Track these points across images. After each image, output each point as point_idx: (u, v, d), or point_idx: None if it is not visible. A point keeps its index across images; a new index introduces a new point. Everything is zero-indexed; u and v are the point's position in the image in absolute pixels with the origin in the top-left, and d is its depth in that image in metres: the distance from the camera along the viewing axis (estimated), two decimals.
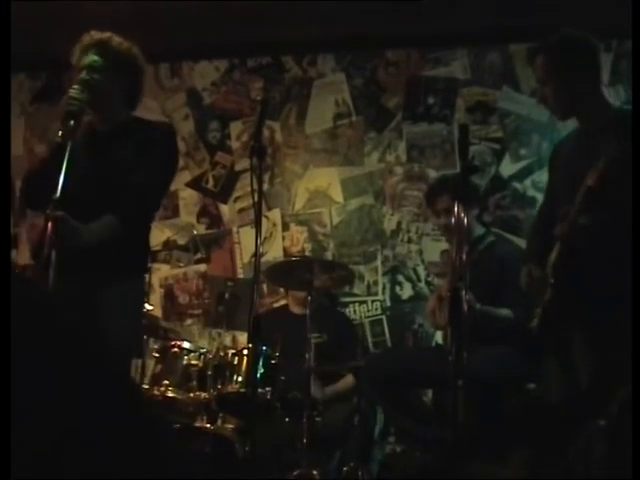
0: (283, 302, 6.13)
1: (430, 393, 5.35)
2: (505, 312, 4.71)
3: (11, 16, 3.53)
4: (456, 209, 3.51)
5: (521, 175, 6.49)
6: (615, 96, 6.34)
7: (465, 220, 3.49)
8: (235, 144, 6.88)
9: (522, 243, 6.07)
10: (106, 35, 3.77)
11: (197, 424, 4.72)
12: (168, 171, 3.92)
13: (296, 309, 5.79)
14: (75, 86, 3.56)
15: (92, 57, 3.68)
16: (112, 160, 3.68)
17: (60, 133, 3.42)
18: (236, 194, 6.79)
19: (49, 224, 3.26)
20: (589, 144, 3.69)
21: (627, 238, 3.38)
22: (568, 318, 3.59)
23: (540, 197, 6.22)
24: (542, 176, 6.29)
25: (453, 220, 3.53)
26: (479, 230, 5.13)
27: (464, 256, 3.43)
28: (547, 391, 3.88)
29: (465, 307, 3.41)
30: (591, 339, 3.57)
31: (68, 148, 3.37)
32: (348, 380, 5.38)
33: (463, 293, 3.40)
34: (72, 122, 3.46)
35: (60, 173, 3.32)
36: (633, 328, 3.00)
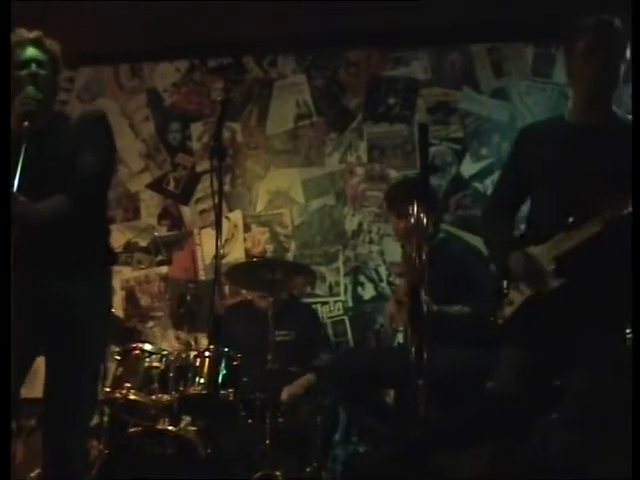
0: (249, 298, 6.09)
1: (392, 392, 5.35)
2: (459, 308, 4.73)
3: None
4: (415, 210, 3.51)
5: (482, 175, 6.53)
6: None
7: (424, 221, 3.49)
8: (196, 145, 6.86)
9: (482, 243, 6.13)
10: (37, 33, 3.73)
11: (159, 426, 4.70)
12: (108, 149, 3.87)
13: (263, 306, 5.74)
14: (29, 87, 3.54)
15: (33, 51, 3.65)
16: (54, 151, 3.63)
17: (16, 135, 3.39)
18: (197, 195, 6.78)
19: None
20: (587, 142, 3.69)
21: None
22: (560, 312, 3.59)
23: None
24: None
25: (412, 221, 3.54)
26: (430, 229, 5.13)
27: (423, 257, 3.43)
28: (506, 387, 3.88)
29: (425, 307, 3.41)
30: (572, 338, 3.57)
31: (23, 150, 3.34)
32: (308, 378, 5.39)
33: (422, 294, 3.41)
34: (27, 123, 3.44)
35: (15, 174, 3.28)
36: (633, 328, 3.02)
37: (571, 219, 3.56)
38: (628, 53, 3.70)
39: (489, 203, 4.21)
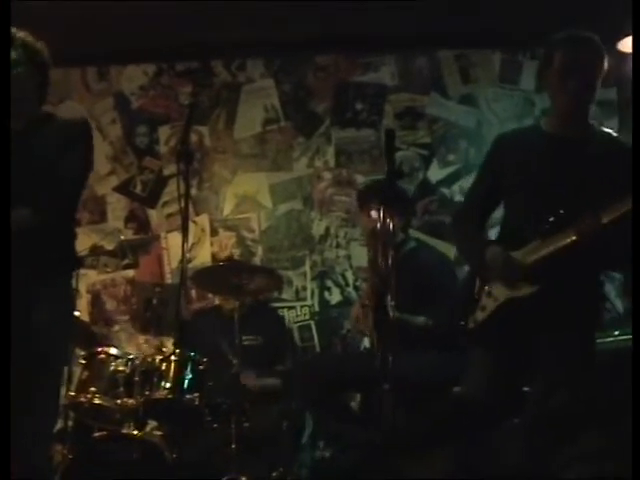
0: (218, 303, 6.08)
1: (358, 397, 5.36)
2: (421, 320, 4.74)
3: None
4: (382, 214, 3.51)
5: (449, 180, 6.56)
6: (541, 102, 6.45)
7: (391, 225, 3.49)
8: (163, 149, 6.84)
9: (449, 248, 6.15)
10: (18, 32, 3.69)
11: (124, 431, 4.66)
12: (85, 167, 3.85)
13: (229, 310, 5.73)
14: None
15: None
16: (28, 157, 3.61)
17: None
18: (164, 199, 6.75)
19: None
20: (562, 153, 3.71)
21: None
22: (530, 319, 3.61)
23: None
24: (469, 182, 6.32)
25: (379, 225, 3.54)
26: (400, 236, 5.14)
27: (389, 262, 3.44)
28: (476, 392, 3.90)
29: (390, 312, 3.42)
30: (540, 344, 3.59)
31: None
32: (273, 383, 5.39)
33: (388, 299, 3.41)
34: None
35: None
36: (633, 328, 3.03)
37: (546, 227, 3.59)
38: (606, 64, 3.73)
39: (462, 207, 4.22)
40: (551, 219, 3.58)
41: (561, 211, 3.56)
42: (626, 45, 5.14)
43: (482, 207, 4.01)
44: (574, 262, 3.51)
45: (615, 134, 3.87)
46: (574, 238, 3.48)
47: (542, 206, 3.66)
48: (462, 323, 3.86)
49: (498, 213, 3.98)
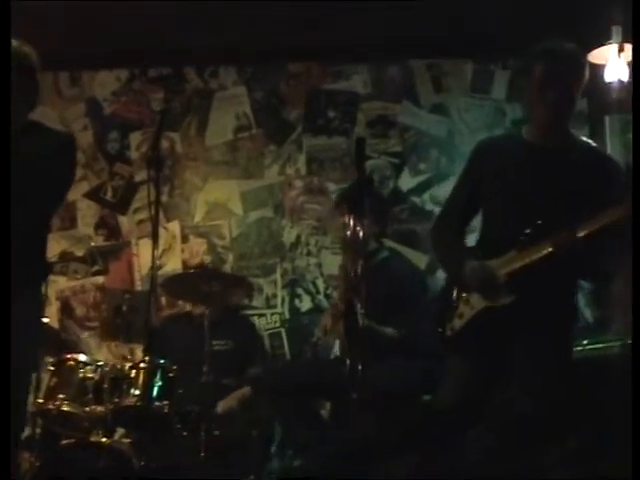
0: (188, 310, 6.06)
1: (328, 405, 5.36)
2: (389, 331, 4.75)
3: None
4: (352, 222, 3.52)
5: (419, 189, 6.57)
6: (512, 112, 6.48)
7: (361, 233, 3.50)
8: (134, 155, 6.81)
9: (419, 256, 6.18)
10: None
11: (93, 438, 4.63)
12: (66, 183, 3.84)
13: (199, 317, 5.70)
14: None
15: None
16: (15, 163, 3.58)
17: None
18: (135, 205, 6.72)
19: None
20: (542, 163, 3.73)
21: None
22: (507, 327, 3.62)
23: (438, 211, 6.32)
24: (440, 190, 6.41)
25: (349, 233, 3.54)
26: (373, 244, 5.15)
27: (359, 270, 3.44)
28: (443, 401, 3.91)
29: (360, 321, 3.42)
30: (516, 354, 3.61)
31: None
32: (243, 392, 5.38)
33: (358, 307, 3.42)
34: None
35: None
36: (633, 328, 3.05)
37: (522, 238, 3.60)
38: (586, 75, 3.75)
39: (441, 213, 4.22)
40: (527, 231, 3.60)
41: (538, 222, 3.57)
42: (597, 56, 5.18)
43: (461, 214, 4.02)
44: (551, 272, 3.54)
45: (594, 144, 3.90)
46: (550, 250, 3.51)
47: (519, 216, 3.68)
48: (440, 330, 3.87)
49: (478, 219, 3.99)
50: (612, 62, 5.06)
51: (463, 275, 3.74)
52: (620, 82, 5.11)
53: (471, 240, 4.08)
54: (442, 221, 4.13)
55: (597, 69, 5.27)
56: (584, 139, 3.89)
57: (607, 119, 5.45)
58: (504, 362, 3.63)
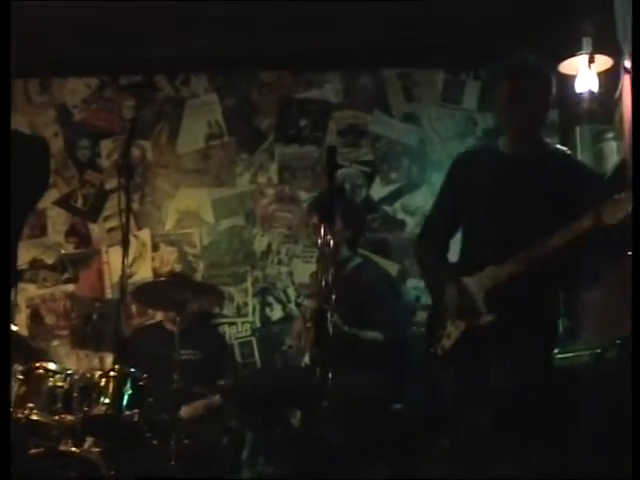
0: (159, 318, 6.04)
1: (299, 413, 5.35)
2: (372, 334, 4.75)
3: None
4: (322, 230, 3.52)
5: (391, 198, 6.59)
6: (483, 122, 6.51)
7: (332, 241, 3.50)
8: (105, 162, 6.78)
9: (391, 265, 6.19)
10: None
11: (62, 448, 4.60)
12: (40, 189, 3.82)
13: (170, 326, 5.70)
14: None
15: None
16: None
17: None
18: (105, 213, 6.69)
19: None
20: (518, 173, 3.74)
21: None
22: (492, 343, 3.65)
23: (410, 220, 6.37)
24: (411, 199, 6.44)
25: (319, 241, 3.55)
26: (346, 252, 5.15)
27: (330, 278, 3.45)
28: (412, 411, 3.93)
29: (330, 329, 3.42)
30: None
31: None
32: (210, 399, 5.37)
33: (329, 315, 3.42)
34: None
35: None
36: (633, 328, 3.06)
37: (498, 252, 3.63)
38: (553, 89, 3.77)
39: (423, 228, 4.24)
40: (502, 244, 3.62)
41: (513, 234, 3.61)
42: (567, 67, 5.21)
43: (443, 227, 4.05)
44: (530, 284, 3.56)
45: (569, 152, 3.92)
46: (523, 266, 3.53)
47: (496, 228, 3.70)
48: (431, 350, 3.90)
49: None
50: (583, 73, 5.09)
51: (444, 301, 3.77)
52: (591, 93, 5.14)
53: (454, 250, 4.09)
54: (425, 235, 4.16)
55: (568, 80, 5.30)
56: (559, 147, 3.92)
57: (578, 129, 5.47)
58: (488, 377, 3.65)
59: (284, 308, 6.48)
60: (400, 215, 6.52)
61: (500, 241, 3.67)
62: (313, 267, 6.01)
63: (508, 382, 3.56)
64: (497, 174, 3.80)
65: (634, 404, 2.89)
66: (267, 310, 6.49)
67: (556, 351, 4.45)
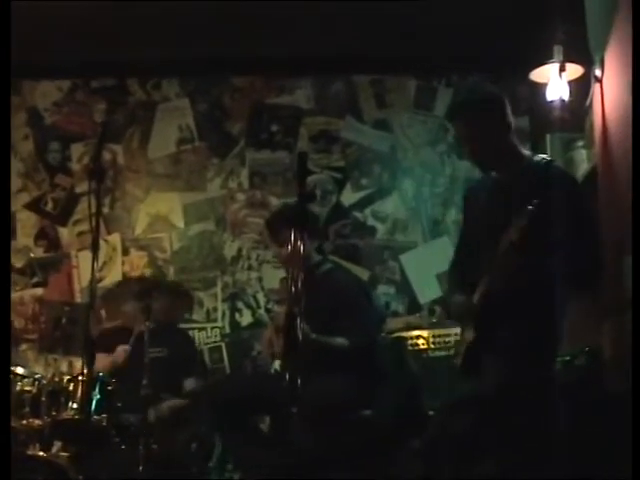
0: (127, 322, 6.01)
1: (268, 419, 5.35)
2: (340, 341, 4.75)
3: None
4: (292, 237, 3.53)
5: (361, 204, 6.61)
6: (454, 129, 6.53)
7: (302, 248, 3.51)
8: (76, 166, 6.76)
9: (361, 271, 6.20)
10: None
11: (30, 452, 4.59)
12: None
13: (138, 328, 5.66)
14: None
15: None
16: None
17: None
18: (76, 217, 6.66)
19: None
20: (504, 194, 3.78)
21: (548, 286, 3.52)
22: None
23: (380, 226, 6.39)
24: (382, 206, 6.47)
25: (289, 248, 3.55)
26: (316, 258, 5.15)
27: (300, 284, 3.45)
28: (383, 417, 3.93)
29: (300, 335, 3.42)
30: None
31: None
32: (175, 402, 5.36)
33: (298, 321, 3.42)
34: None
35: None
36: (633, 329, 3.08)
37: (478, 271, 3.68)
38: (507, 109, 3.82)
39: (451, 263, 4.28)
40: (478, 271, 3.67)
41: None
42: (538, 75, 5.23)
43: (464, 260, 4.11)
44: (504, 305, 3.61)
45: (549, 158, 3.94)
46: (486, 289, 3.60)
47: (481, 249, 3.76)
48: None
49: None
50: (553, 81, 5.11)
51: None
52: (561, 101, 5.16)
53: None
54: (452, 271, 4.22)
55: (538, 88, 5.33)
56: (539, 157, 3.93)
57: (548, 137, 5.50)
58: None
59: (254, 314, 6.48)
60: (370, 221, 6.54)
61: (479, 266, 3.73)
62: (283, 273, 6.03)
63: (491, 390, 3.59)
64: (486, 194, 3.88)
65: (634, 404, 2.92)
66: (237, 315, 6.49)
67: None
